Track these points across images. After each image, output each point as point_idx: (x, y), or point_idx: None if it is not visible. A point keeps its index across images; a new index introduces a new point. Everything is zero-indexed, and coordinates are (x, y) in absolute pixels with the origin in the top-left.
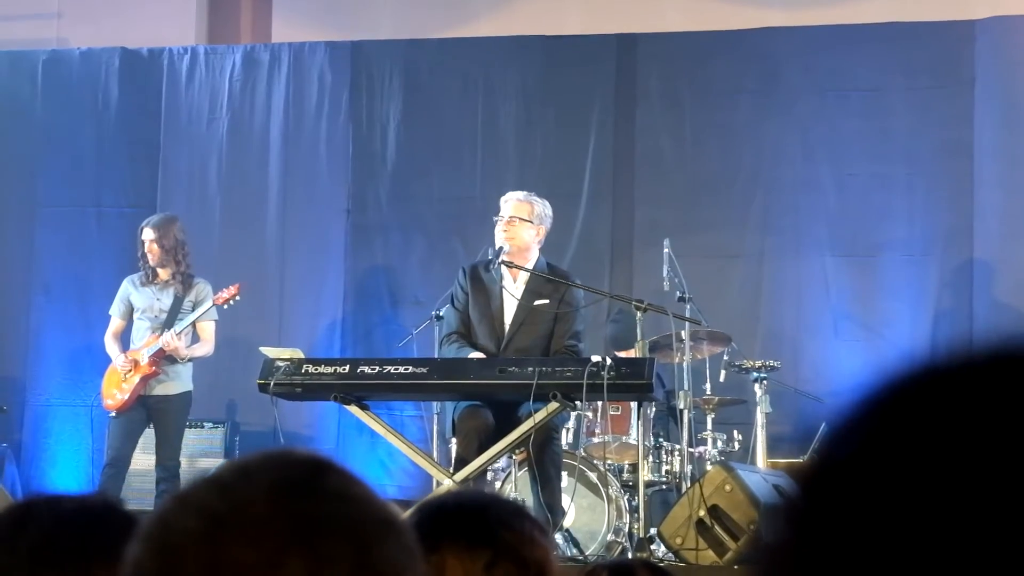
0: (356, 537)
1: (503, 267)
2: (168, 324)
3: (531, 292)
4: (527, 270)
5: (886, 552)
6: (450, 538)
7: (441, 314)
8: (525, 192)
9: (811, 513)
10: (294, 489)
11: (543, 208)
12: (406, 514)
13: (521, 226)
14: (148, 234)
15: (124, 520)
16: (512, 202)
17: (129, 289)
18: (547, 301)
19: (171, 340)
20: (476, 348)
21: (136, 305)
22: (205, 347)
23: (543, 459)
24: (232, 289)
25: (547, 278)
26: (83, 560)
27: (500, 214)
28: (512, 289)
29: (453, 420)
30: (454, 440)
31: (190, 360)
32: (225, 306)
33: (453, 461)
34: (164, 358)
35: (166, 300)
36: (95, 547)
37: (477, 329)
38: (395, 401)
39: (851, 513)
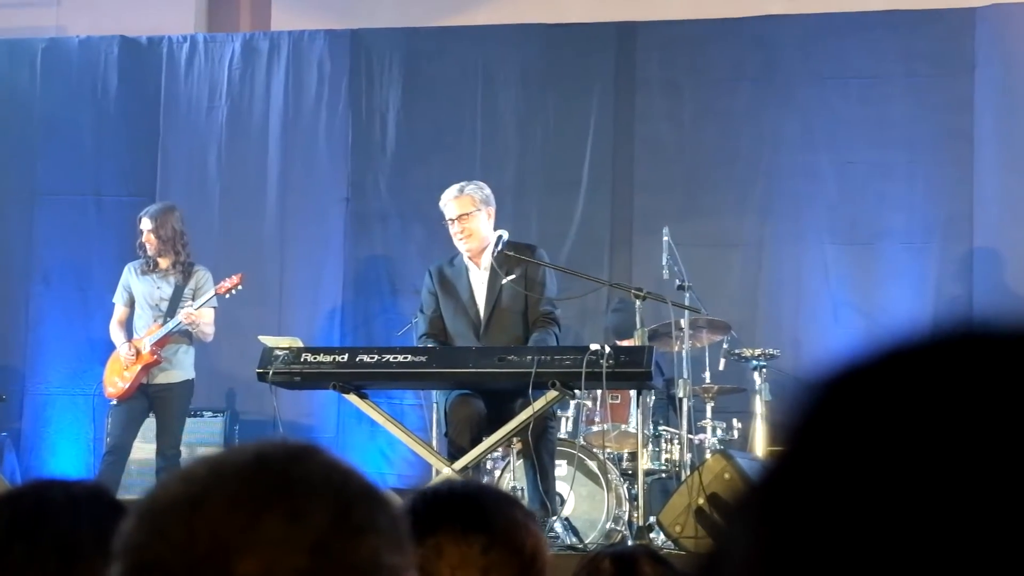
0: (335, 498)
1: (465, 257)
2: (170, 313)
3: (496, 273)
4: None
5: (843, 546)
6: (447, 524)
7: None
8: (456, 186)
9: (768, 509)
10: (278, 458)
11: (480, 189)
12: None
13: (473, 219)
14: (145, 224)
15: (119, 507)
16: (451, 203)
17: (130, 277)
18: (514, 276)
19: (191, 311)
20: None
21: (137, 293)
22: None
23: (540, 448)
24: (235, 279)
25: (512, 256)
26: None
27: (447, 218)
28: (478, 275)
29: (445, 410)
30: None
31: (200, 331)
32: (227, 295)
33: (448, 450)
34: (166, 346)
35: (166, 289)
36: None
37: (453, 324)
38: (394, 390)
39: (804, 508)
